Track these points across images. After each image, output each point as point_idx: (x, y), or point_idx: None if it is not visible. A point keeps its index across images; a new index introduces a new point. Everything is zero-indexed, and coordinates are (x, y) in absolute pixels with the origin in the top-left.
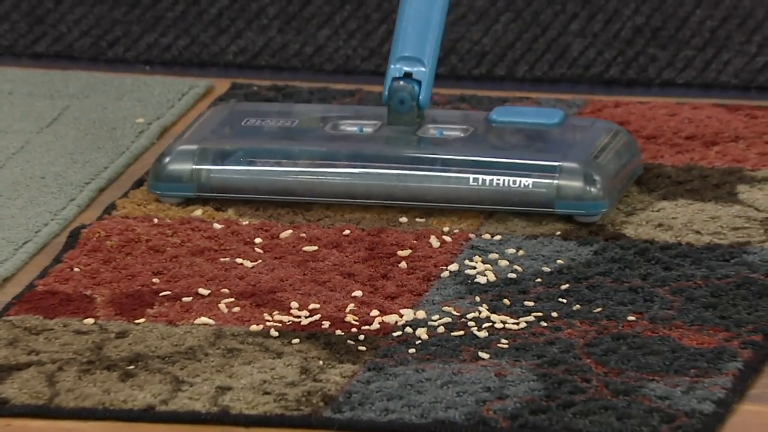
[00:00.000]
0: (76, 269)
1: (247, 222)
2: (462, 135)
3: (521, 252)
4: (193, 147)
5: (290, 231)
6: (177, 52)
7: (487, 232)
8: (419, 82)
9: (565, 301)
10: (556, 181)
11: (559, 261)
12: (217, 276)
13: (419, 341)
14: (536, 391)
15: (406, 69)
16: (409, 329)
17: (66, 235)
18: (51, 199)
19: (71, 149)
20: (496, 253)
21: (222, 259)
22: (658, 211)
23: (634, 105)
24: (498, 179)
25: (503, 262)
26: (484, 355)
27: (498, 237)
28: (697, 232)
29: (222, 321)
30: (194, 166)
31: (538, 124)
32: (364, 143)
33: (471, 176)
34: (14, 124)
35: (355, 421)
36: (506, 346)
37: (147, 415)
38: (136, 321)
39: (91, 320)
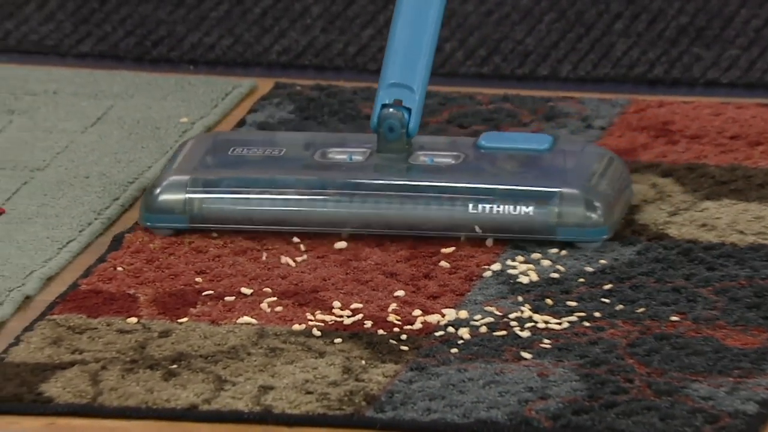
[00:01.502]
0: (119, 268)
1: None
2: (453, 162)
3: (563, 252)
4: (185, 177)
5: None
6: (221, 51)
7: None
8: (409, 110)
9: (608, 301)
10: (556, 208)
11: (601, 261)
12: (259, 275)
13: (461, 341)
14: (579, 392)
15: (396, 96)
16: (451, 329)
17: (110, 234)
18: (95, 198)
19: (115, 148)
20: (539, 252)
21: (264, 259)
22: (701, 211)
23: (678, 105)
24: (498, 207)
25: (546, 262)
26: (527, 355)
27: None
28: (741, 233)
29: (264, 320)
30: (186, 197)
31: (528, 149)
32: (357, 171)
33: (470, 204)
34: (59, 124)
35: (397, 420)
36: (549, 346)
37: (190, 414)
38: (179, 320)
39: (134, 319)
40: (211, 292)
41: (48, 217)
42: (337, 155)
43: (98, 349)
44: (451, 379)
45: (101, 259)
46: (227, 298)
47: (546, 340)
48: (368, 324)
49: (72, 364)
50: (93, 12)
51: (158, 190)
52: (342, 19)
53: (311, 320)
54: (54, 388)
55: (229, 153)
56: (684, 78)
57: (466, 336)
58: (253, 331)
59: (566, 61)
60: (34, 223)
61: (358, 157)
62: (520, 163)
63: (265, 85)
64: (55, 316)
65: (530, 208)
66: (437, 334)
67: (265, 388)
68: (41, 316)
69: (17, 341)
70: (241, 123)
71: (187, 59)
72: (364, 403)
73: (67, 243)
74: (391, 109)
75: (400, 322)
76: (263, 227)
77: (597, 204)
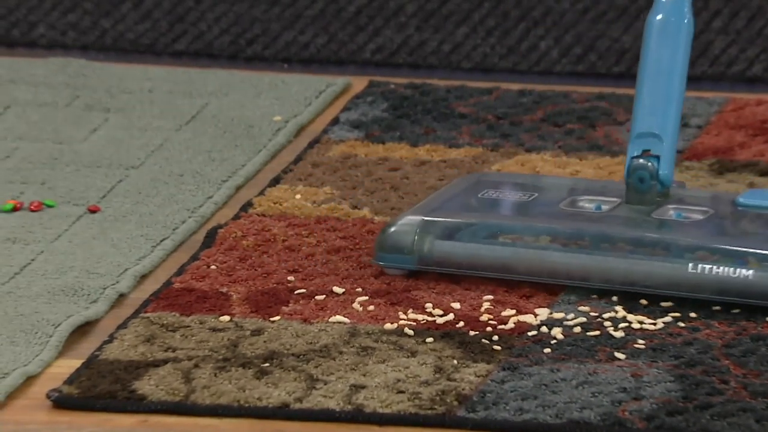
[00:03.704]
0: (212, 267)
1: (382, 220)
2: (700, 218)
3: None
4: (418, 218)
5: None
6: (315, 49)
7: None
8: (658, 159)
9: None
10: None
11: None
12: (351, 274)
13: (554, 341)
14: (673, 392)
15: (645, 146)
16: (544, 329)
17: (203, 232)
18: (189, 197)
19: (209, 147)
20: None
21: (357, 258)
22: None
23: None
24: (717, 268)
25: None
26: (620, 356)
27: None
28: None
29: (356, 319)
30: (416, 238)
31: None
32: (591, 223)
33: (690, 263)
34: (154, 122)
35: (489, 420)
36: (643, 346)
37: (281, 412)
38: (272, 319)
39: (226, 317)
40: (303, 290)
41: (142, 215)
42: (587, 204)
43: (191, 347)
44: (543, 379)
45: (194, 257)
46: (319, 297)
47: (640, 341)
48: (461, 324)
49: (165, 361)
50: (188, 10)
51: (392, 229)
52: (436, 17)
53: (403, 319)
54: (147, 386)
55: (479, 195)
56: None
57: (559, 336)
58: (345, 329)
59: None
60: (128, 221)
61: (605, 207)
62: (766, 224)
63: (359, 83)
64: (148, 314)
65: (750, 272)
66: (530, 333)
67: (357, 387)
68: (135, 314)
69: (111, 339)
70: (335, 121)
71: (281, 57)
72: (455, 403)
73: (161, 241)
74: (640, 160)
75: (493, 322)
76: (490, 274)
77: None
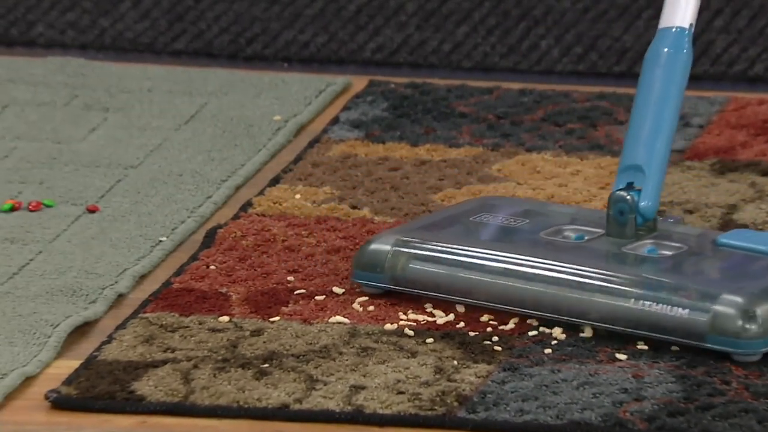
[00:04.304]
0: (212, 267)
1: (382, 220)
2: (669, 254)
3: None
4: (393, 237)
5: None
6: (315, 49)
7: None
8: (640, 192)
9: None
10: (710, 314)
11: None
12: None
13: (555, 341)
14: (674, 393)
15: (630, 179)
16: (545, 329)
17: (203, 232)
18: (188, 196)
19: (209, 146)
20: None
21: None
22: None
23: None
24: (656, 305)
25: None
26: (622, 356)
27: None
28: None
29: (356, 320)
30: (389, 257)
31: (760, 251)
32: (555, 252)
33: (632, 299)
34: (153, 121)
35: (489, 421)
36: (644, 347)
37: (281, 413)
38: (271, 319)
39: (226, 318)
40: (303, 290)
41: (141, 215)
42: (571, 233)
43: (190, 347)
44: (544, 380)
45: (194, 257)
46: (319, 297)
47: (641, 342)
48: (461, 324)
49: (164, 362)
50: (188, 10)
51: (367, 246)
52: (437, 16)
53: (403, 320)
54: (146, 387)
55: (471, 218)
56: None
57: (560, 336)
58: (345, 330)
59: None
60: (127, 221)
61: (587, 237)
62: (733, 264)
63: (360, 82)
64: (147, 315)
65: (685, 311)
66: (530, 334)
67: (357, 388)
68: (134, 314)
69: (110, 339)
70: (335, 121)
71: (281, 57)
72: (456, 404)
73: (160, 241)
74: (620, 193)
75: (493, 322)
76: (454, 298)
77: (759, 315)
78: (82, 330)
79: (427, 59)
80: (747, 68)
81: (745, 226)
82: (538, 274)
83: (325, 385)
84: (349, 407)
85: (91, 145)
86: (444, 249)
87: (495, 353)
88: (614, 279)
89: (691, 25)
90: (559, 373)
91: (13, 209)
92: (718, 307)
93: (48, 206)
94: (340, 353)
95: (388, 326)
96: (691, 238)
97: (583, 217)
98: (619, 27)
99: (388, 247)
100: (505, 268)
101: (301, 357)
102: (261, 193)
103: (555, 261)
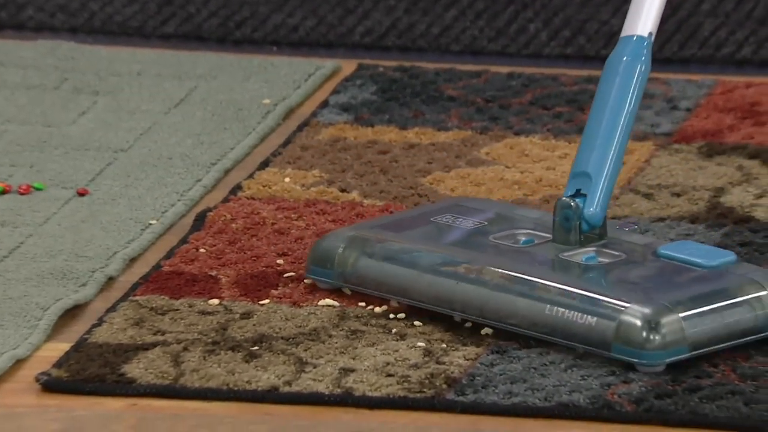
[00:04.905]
0: (201, 250)
1: (371, 203)
2: (604, 262)
3: (648, 240)
4: (346, 233)
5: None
6: (304, 32)
7: (613, 215)
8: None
9: None
10: (616, 323)
11: None
12: None
13: None
14: (662, 375)
15: (579, 185)
16: None
17: (192, 215)
18: (178, 180)
19: (198, 130)
20: None
21: None
22: None
23: (766, 86)
24: (568, 312)
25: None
26: None
27: (624, 220)
28: None
29: (346, 302)
30: (340, 252)
31: (694, 263)
32: (492, 256)
33: (547, 305)
34: (142, 105)
35: (478, 403)
36: None
37: (271, 395)
38: (261, 302)
39: (216, 301)
40: (292, 273)
41: (131, 198)
42: (522, 237)
43: (180, 330)
44: (532, 362)
45: (184, 241)
46: (308, 280)
47: None
48: None
49: (154, 345)
50: None
51: (321, 242)
52: (425, 0)
53: (392, 303)
54: (136, 369)
55: (432, 218)
56: None
57: None
58: (335, 313)
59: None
60: (117, 204)
61: (536, 242)
62: (656, 274)
63: (348, 66)
64: (137, 297)
65: (594, 319)
66: None
67: (346, 371)
68: (124, 297)
69: (100, 322)
70: (324, 104)
71: (270, 40)
72: (444, 386)
73: (150, 224)
74: (565, 199)
75: None
76: (394, 297)
77: (663, 326)
78: (72, 313)
79: (415, 43)
80: (734, 51)
81: (731, 209)
82: (466, 276)
83: (315, 367)
84: (339, 390)
85: (81, 129)
86: (388, 248)
87: (484, 336)
88: (535, 285)
89: (650, 33)
90: (548, 355)
91: (3, 192)
92: (624, 317)
93: (38, 189)
94: (330, 336)
95: (377, 309)
96: (636, 247)
97: (546, 222)
98: (607, 11)
99: (339, 244)
100: (438, 269)
101: (290, 340)
102: (250, 176)
103: (487, 264)
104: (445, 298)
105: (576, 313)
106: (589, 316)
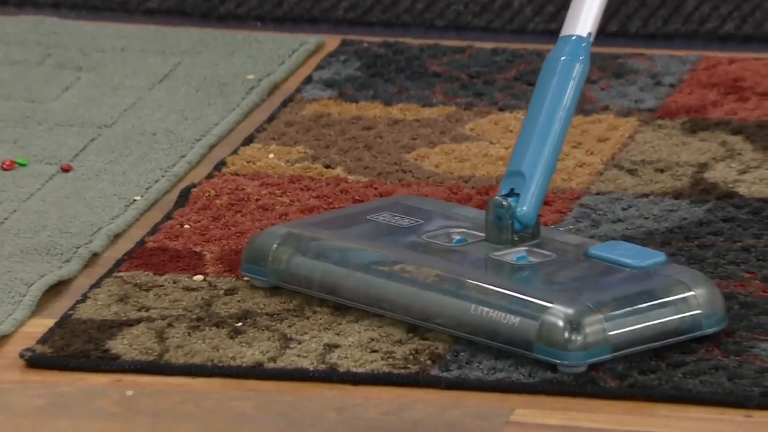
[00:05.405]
0: (186, 226)
1: (355, 179)
2: (534, 261)
3: (632, 210)
4: (281, 231)
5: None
6: (288, 8)
7: (597, 191)
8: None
9: (676, 260)
10: (538, 323)
11: (671, 220)
12: None
13: None
14: (646, 351)
15: (512, 185)
16: None
17: (176, 191)
18: (162, 156)
19: (182, 105)
20: (607, 211)
21: None
22: None
23: (749, 61)
24: (492, 312)
25: (616, 226)
26: None
27: (608, 196)
28: None
29: None
30: (273, 250)
31: (624, 264)
32: (422, 255)
33: (472, 305)
34: (126, 81)
35: (462, 379)
36: None
37: (255, 371)
38: (245, 278)
39: (200, 277)
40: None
41: (115, 174)
42: (456, 236)
43: (164, 306)
44: None
45: (168, 217)
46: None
47: None
48: None
49: (138, 321)
50: None
51: (255, 239)
52: None
53: None
54: (120, 345)
55: (368, 216)
56: (756, 34)
57: None
58: None
59: (636, 17)
60: (101, 180)
61: (469, 241)
62: (583, 275)
63: (332, 41)
64: (122, 274)
65: (517, 319)
66: None
67: (331, 347)
68: (108, 273)
69: (84, 298)
70: (308, 80)
71: (254, 16)
72: (429, 362)
73: (134, 200)
74: (497, 198)
75: None
76: (323, 295)
77: (585, 326)
78: (56, 289)
79: (400, 18)
80: (718, 27)
81: (715, 185)
82: (395, 275)
83: (299, 343)
84: (323, 366)
85: (64, 104)
86: (321, 246)
87: None
88: (461, 284)
89: (590, 33)
90: None
91: None
92: (546, 318)
93: (22, 165)
94: (314, 312)
95: None
96: (567, 247)
97: (483, 221)
98: None
99: (273, 241)
100: (368, 268)
101: (275, 316)
102: (235, 152)
103: (416, 263)
104: (374, 296)
105: (500, 312)
106: (513, 316)
